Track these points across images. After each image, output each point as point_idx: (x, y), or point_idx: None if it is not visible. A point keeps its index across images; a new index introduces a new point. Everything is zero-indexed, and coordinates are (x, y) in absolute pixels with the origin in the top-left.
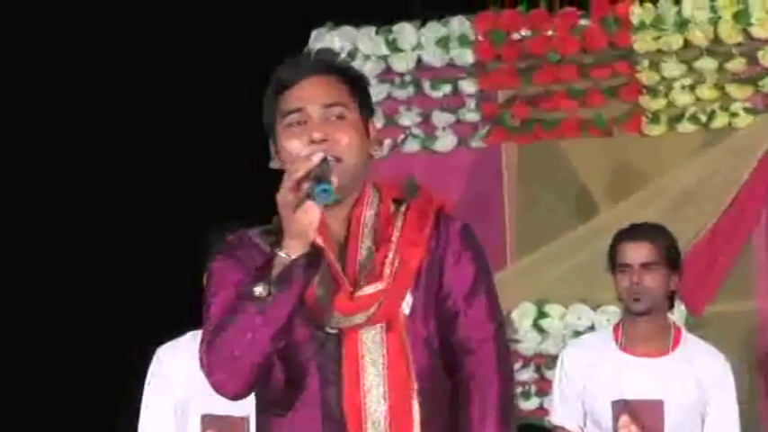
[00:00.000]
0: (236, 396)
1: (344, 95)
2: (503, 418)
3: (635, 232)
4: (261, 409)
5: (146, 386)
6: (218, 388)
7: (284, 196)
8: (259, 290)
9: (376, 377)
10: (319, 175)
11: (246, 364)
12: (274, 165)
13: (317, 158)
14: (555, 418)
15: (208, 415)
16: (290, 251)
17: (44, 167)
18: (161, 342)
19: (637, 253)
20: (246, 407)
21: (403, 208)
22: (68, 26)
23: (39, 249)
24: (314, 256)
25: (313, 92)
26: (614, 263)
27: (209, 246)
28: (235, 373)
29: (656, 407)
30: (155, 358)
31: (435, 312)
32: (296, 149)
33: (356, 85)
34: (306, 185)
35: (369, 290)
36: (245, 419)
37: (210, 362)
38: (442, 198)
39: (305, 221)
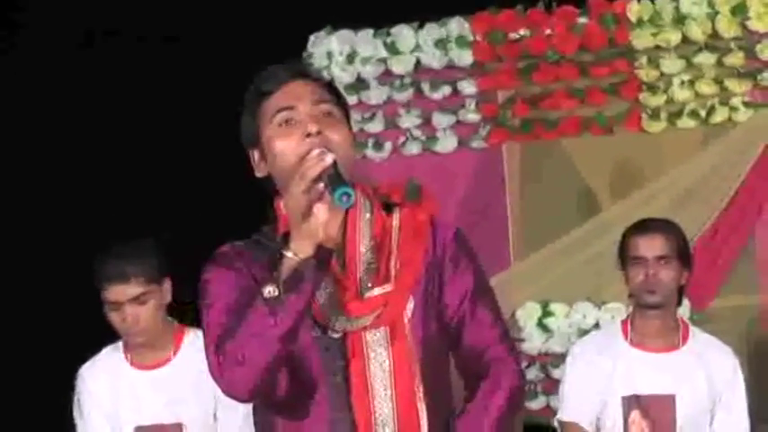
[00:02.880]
0: (249, 398)
1: (330, 97)
2: (509, 406)
3: (649, 226)
4: (266, 412)
5: (74, 406)
6: (230, 390)
7: (296, 198)
8: (269, 291)
9: (383, 379)
10: (332, 177)
11: (257, 366)
12: (260, 173)
13: (330, 159)
14: (565, 415)
15: (140, 426)
16: (299, 252)
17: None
18: (83, 361)
19: (652, 245)
20: (176, 414)
21: (396, 213)
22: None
23: None
24: (323, 257)
25: (300, 91)
26: (626, 257)
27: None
28: (246, 374)
29: (667, 401)
30: (78, 378)
31: (438, 321)
32: (290, 147)
33: (335, 90)
34: (318, 187)
35: (377, 291)
36: (177, 426)
37: (220, 364)
38: (443, 203)
39: (315, 222)
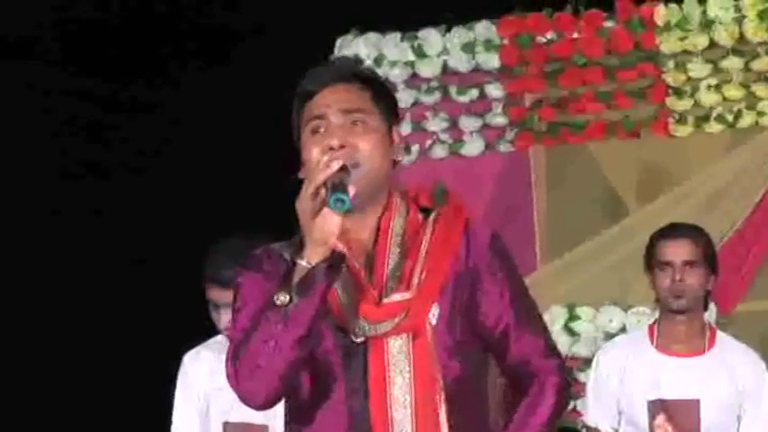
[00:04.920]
0: (263, 406)
1: (366, 102)
2: (548, 421)
3: (676, 231)
4: (289, 419)
5: (175, 392)
6: (245, 398)
7: (303, 203)
8: (281, 298)
9: (402, 386)
10: (336, 184)
11: (271, 373)
12: (302, 175)
13: (335, 165)
14: (589, 420)
15: (229, 423)
16: (311, 258)
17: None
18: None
19: (679, 251)
20: (267, 415)
21: (432, 218)
22: None
23: (71, 262)
24: (334, 262)
25: (334, 99)
26: (653, 261)
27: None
28: (260, 382)
29: (692, 406)
30: (181, 365)
31: (472, 330)
32: (315, 157)
33: (379, 91)
34: (323, 193)
35: (396, 297)
36: (265, 428)
37: (236, 373)
38: (470, 206)
39: (324, 229)
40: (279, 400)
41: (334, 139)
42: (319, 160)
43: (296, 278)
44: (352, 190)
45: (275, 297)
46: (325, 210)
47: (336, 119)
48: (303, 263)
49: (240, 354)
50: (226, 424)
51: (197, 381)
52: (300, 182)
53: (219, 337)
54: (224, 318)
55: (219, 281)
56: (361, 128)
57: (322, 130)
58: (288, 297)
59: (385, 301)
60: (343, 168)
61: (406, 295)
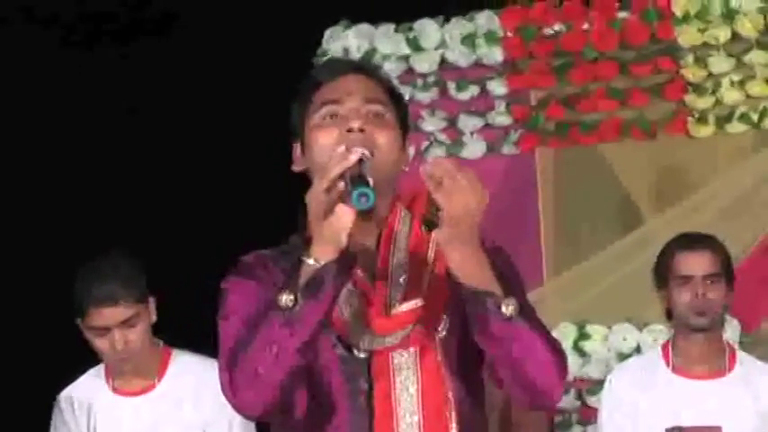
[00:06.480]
0: (261, 417)
1: (385, 98)
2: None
3: (695, 241)
4: None
5: None
6: (243, 408)
7: (316, 197)
8: (285, 299)
9: (410, 404)
10: (355, 177)
11: (272, 381)
12: (298, 167)
13: (354, 156)
14: None
15: None
16: (320, 257)
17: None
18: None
19: (700, 263)
20: None
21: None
22: None
23: None
24: (345, 263)
25: (353, 85)
26: (668, 275)
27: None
28: (259, 391)
29: None
30: (55, 405)
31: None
32: (329, 142)
33: (395, 93)
34: (340, 186)
35: (405, 307)
36: None
37: (233, 380)
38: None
39: (337, 225)
40: (277, 411)
41: (356, 122)
42: (332, 147)
43: (303, 278)
44: (371, 182)
45: (278, 298)
46: (339, 206)
47: (355, 104)
48: (311, 261)
49: (238, 359)
50: None
51: (78, 419)
52: (297, 176)
53: (93, 371)
54: (117, 337)
55: (110, 300)
56: (380, 120)
57: (336, 116)
58: (293, 298)
59: (394, 311)
60: (361, 161)
61: (418, 303)
